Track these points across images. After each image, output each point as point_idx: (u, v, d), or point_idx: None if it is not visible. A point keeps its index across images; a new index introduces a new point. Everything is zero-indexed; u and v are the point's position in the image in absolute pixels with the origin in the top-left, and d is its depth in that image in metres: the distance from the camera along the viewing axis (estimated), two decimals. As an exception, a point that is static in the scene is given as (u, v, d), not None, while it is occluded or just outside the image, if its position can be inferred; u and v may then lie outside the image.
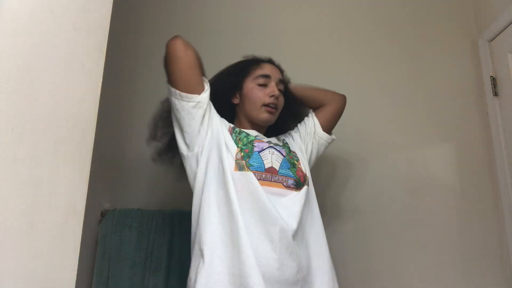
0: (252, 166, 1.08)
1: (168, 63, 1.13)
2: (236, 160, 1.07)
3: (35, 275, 0.60)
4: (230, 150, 1.09)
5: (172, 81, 1.12)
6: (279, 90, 1.20)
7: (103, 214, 1.55)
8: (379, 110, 1.79)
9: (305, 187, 1.13)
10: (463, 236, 1.64)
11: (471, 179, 1.71)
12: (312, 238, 1.12)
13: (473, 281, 1.58)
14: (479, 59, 1.81)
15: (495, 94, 1.71)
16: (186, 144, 1.13)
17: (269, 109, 1.18)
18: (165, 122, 1.22)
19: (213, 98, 1.17)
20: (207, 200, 1.06)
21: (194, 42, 1.86)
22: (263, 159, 1.11)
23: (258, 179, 1.06)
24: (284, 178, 1.10)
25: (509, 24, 1.61)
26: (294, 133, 1.34)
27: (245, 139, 1.15)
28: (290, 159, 1.17)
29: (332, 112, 1.33)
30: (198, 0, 1.93)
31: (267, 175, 1.08)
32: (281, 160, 1.14)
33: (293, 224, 1.04)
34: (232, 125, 1.20)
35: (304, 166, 1.20)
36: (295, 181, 1.12)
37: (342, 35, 1.90)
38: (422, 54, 1.87)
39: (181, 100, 1.10)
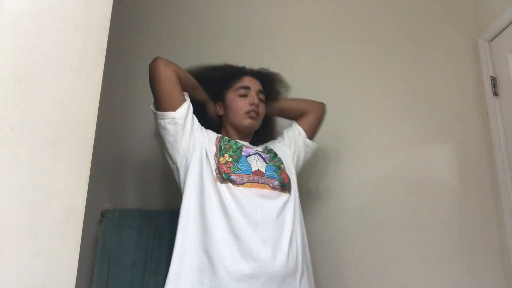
0: (240, 170, 1.16)
1: (151, 84, 1.21)
2: (217, 174, 1.15)
3: (35, 275, 0.60)
4: (210, 163, 1.17)
5: (156, 101, 1.21)
6: (259, 99, 1.30)
7: (103, 214, 1.55)
8: (379, 110, 1.79)
9: (287, 195, 1.20)
10: (463, 236, 1.64)
11: (471, 179, 1.71)
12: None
13: (473, 281, 1.58)
14: (479, 59, 1.81)
15: (495, 94, 1.71)
16: (169, 157, 1.22)
17: (251, 115, 1.27)
18: None
19: (200, 110, 1.30)
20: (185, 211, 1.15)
21: (194, 42, 1.86)
22: (250, 163, 1.20)
23: (246, 181, 1.15)
24: (270, 180, 1.18)
25: (509, 24, 1.61)
26: (279, 142, 1.41)
27: (234, 146, 1.23)
28: (275, 164, 1.25)
29: (314, 119, 1.42)
30: (198, 0, 1.93)
31: (255, 177, 1.17)
32: (265, 166, 1.22)
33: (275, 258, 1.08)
34: (219, 135, 1.28)
35: (290, 171, 1.29)
36: (280, 182, 1.20)
37: (342, 35, 1.90)
38: (422, 54, 1.87)
39: (158, 118, 1.19)
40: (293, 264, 1.10)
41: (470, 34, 1.88)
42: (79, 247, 0.71)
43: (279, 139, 1.43)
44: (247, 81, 1.32)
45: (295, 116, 1.44)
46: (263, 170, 1.19)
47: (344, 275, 1.59)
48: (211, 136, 1.25)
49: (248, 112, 1.27)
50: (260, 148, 1.31)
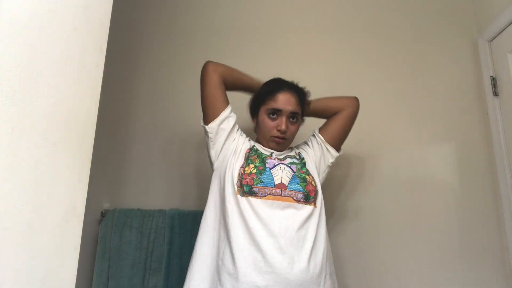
0: (263, 182, 1.16)
1: (201, 89, 1.28)
2: (237, 187, 1.16)
3: (35, 275, 0.60)
4: (233, 176, 1.18)
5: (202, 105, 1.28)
6: (291, 119, 1.27)
7: (103, 214, 1.55)
8: (379, 110, 1.79)
9: (311, 207, 1.18)
10: (463, 236, 1.64)
11: (471, 179, 1.71)
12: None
13: (473, 281, 1.58)
14: (479, 59, 1.81)
15: (495, 94, 1.71)
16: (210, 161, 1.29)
17: (276, 140, 1.26)
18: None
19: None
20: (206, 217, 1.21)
21: (194, 42, 1.86)
22: (273, 175, 1.18)
23: (268, 194, 1.14)
24: (293, 193, 1.16)
25: (509, 24, 1.61)
26: (309, 146, 1.38)
27: (259, 157, 1.24)
28: (301, 174, 1.22)
29: (348, 116, 1.37)
30: (199, 0, 1.93)
31: (277, 190, 1.16)
32: (291, 175, 1.20)
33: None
34: (251, 146, 1.29)
35: (316, 182, 1.25)
36: (304, 195, 1.17)
37: (342, 35, 1.90)
38: (422, 54, 1.87)
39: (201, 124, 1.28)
40: (313, 276, 1.09)
41: (470, 34, 1.88)
42: (79, 247, 0.71)
43: (310, 143, 1.40)
44: (281, 101, 1.26)
45: (328, 116, 1.40)
46: (286, 182, 1.18)
47: (343, 275, 1.59)
48: (245, 147, 1.27)
49: (274, 136, 1.26)
50: (292, 153, 1.31)
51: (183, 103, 1.74)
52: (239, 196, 1.14)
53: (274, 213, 1.12)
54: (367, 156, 1.75)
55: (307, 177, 1.23)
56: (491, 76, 1.73)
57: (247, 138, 1.32)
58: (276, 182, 1.17)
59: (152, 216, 1.53)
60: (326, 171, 1.36)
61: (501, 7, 1.66)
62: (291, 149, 1.37)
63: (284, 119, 1.24)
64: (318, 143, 1.37)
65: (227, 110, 1.26)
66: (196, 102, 1.32)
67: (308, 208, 1.17)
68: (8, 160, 0.53)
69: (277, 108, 1.24)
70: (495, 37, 1.72)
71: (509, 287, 1.57)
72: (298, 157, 1.31)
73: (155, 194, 1.65)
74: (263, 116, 1.27)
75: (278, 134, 1.25)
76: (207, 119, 1.25)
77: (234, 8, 1.91)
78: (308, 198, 1.18)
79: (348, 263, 1.61)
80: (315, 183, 1.23)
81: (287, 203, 1.14)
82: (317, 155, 1.36)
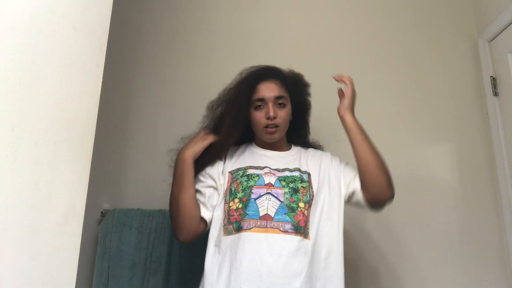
0: (248, 215, 1.09)
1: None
2: (224, 226, 1.11)
3: (35, 275, 0.60)
4: (219, 218, 1.14)
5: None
6: (279, 104, 1.22)
7: (103, 214, 1.55)
8: (379, 110, 1.79)
9: (300, 239, 1.07)
10: (463, 236, 1.64)
11: (471, 179, 1.71)
12: None
13: (473, 281, 1.58)
14: (479, 59, 1.81)
15: (495, 94, 1.71)
16: None
17: (269, 129, 1.21)
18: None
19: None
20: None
21: (195, 42, 1.86)
22: (258, 206, 1.11)
23: (253, 226, 1.07)
24: (280, 224, 1.08)
25: (509, 24, 1.61)
26: (330, 161, 1.26)
27: (245, 183, 1.15)
28: (290, 203, 1.12)
29: (367, 194, 1.17)
30: (199, 0, 1.92)
31: (262, 222, 1.08)
32: (278, 206, 1.11)
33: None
34: (232, 171, 1.21)
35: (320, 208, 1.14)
36: (292, 225, 1.08)
37: (342, 35, 1.90)
38: (422, 54, 1.87)
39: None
40: None
41: (470, 34, 1.88)
42: (79, 247, 0.71)
43: (334, 158, 1.28)
44: (262, 90, 1.22)
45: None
46: (272, 213, 1.09)
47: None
48: (225, 179, 1.20)
49: (265, 127, 1.21)
50: (295, 161, 1.24)
51: (183, 103, 1.74)
52: (226, 236, 1.09)
53: (258, 247, 1.04)
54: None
55: (298, 205, 1.12)
56: (491, 76, 1.73)
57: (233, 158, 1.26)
58: (261, 214, 1.09)
59: (152, 216, 1.53)
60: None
61: (501, 7, 1.66)
62: (299, 150, 1.30)
63: (270, 105, 1.20)
64: (347, 165, 1.26)
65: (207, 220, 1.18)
66: (196, 102, 1.32)
67: (296, 239, 1.06)
68: (8, 160, 0.53)
69: (260, 98, 1.21)
70: (495, 37, 1.72)
71: (509, 287, 1.57)
72: (300, 169, 1.21)
73: (155, 194, 1.65)
74: (252, 112, 1.23)
75: (269, 122, 1.20)
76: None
77: (236, 8, 1.91)
78: (298, 228, 1.08)
79: (347, 263, 1.60)
80: (313, 209, 1.12)
81: (274, 234, 1.06)
82: (340, 171, 1.24)
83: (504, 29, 1.65)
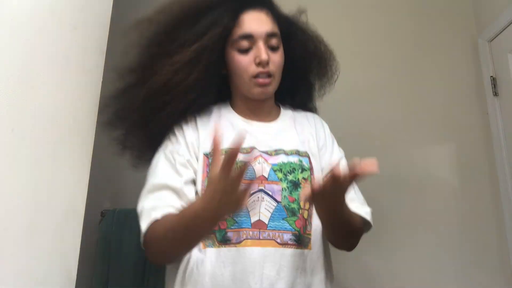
0: (236, 223, 0.79)
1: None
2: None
3: (35, 275, 0.60)
4: None
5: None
6: (271, 47, 0.88)
7: (103, 214, 1.55)
8: (379, 110, 1.79)
9: (303, 252, 0.82)
10: (463, 236, 1.64)
11: (471, 179, 1.71)
12: None
13: (473, 281, 1.58)
14: (479, 59, 1.81)
15: (495, 94, 1.71)
16: None
17: (260, 80, 0.86)
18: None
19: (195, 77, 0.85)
20: None
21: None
22: (248, 208, 0.80)
23: (244, 239, 0.78)
24: (276, 233, 0.79)
25: (509, 24, 1.61)
26: (328, 142, 0.99)
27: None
28: (290, 204, 0.82)
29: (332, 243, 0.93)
30: (198, 0, 1.92)
31: (254, 232, 0.79)
32: (273, 208, 0.81)
33: None
34: (208, 152, 0.86)
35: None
36: (293, 234, 0.81)
37: (342, 35, 1.90)
38: (422, 54, 1.87)
39: None
40: None
41: (470, 34, 1.88)
42: (79, 247, 0.71)
43: (331, 140, 0.99)
44: (249, 22, 0.86)
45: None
46: (266, 219, 0.80)
47: (342, 275, 1.59)
48: (200, 163, 0.85)
49: (255, 76, 0.86)
50: (288, 146, 0.89)
51: (183, 103, 1.74)
52: (206, 249, 0.79)
53: (252, 270, 0.76)
54: (367, 156, 1.74)
55: (301, 205, 0.83)
56: (491, 76, 1.73)
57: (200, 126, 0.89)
58: (253, 220, 0.79)
59: (152, 216, 1.53)
60: None
61: (501, 7, 1.66)
62: (292, 115, 0.97)
63: (261, 45, 0.86)
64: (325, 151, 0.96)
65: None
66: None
67: (298, 253, 0.80)
68: (8, 160, 0.53)
69: (245, 34, 0.86)
70: (495, 37, 1.72)
71: (509, 287, 1.57)
72: (299, 150, 0.89)
73: (155, 194, 1.65)
74: (232, 55, 0.88)
75: (260, 69, 0.85)
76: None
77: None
78: (300, 239, 0.82)
79: (347, 263, 1.61)
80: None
81: (269, 248, 0.78)
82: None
83: (504, 29, 1.65)
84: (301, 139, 0.92)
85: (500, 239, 1.63)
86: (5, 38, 0.53)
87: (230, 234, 0.79)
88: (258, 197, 0.81)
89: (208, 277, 0.77)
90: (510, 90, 1.63)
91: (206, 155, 0.86)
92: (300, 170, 0.86)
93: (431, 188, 1.70)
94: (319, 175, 0.90)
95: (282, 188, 0.82)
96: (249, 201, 0.80)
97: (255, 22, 0.87)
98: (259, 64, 0.85)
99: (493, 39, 1.74)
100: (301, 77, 1.02)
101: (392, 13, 1.93)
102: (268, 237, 0.78)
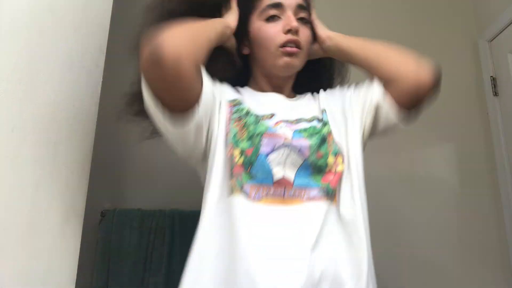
0: (256, 178, 0.74)
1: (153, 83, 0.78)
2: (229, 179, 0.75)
3: (35, 275, 0.60)
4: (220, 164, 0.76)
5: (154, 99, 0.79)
6: (299, 19, 0.86)
7: (103, 214, 1.55)
8: (379, 110, 1.79)
9: (329, 205, 0.78)
10: (463, 236, 1.64)
11: (471, 179, 1.71)
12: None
13: (473, 281, 1.58)
14: (479, 59, 1.81)
15: (495, 94, 1.71)
16: (188, 158, 0.86)
17: (288, 49, 0.82)
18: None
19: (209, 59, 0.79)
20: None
21: (194, 42, 1.85)
22: (271, 165, 0.75)
23: (264, 196, 0.73)
24: (303, 191, 0.76)
25: (509, 24, 1.61)
26: (346, 92, 0.94)
27: (252, 128, 0.77)
28: (318, 160, 0.78)
29: (399, 93, 0.88)
30: (198, 0, 1.92)
31: (277, 190, 0.74)
32: (300, 164, 0.77)
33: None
34: (231, 100, 0.82)
35: (352, 156, 0.84)
36: (321, 189, 0.77)
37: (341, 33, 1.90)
38: (422, 54, 1.87)
39: (157, 121, 0.78)
40: None
41: (470, 34, 1.88)
42: (79, 247, 0.71)
43: (350, 88, 0.95)
44: None
45: (373, 74, 0.92)
46: (292, 176, 0.75)
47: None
48: (224, 109, 0.80)
49: (283, 45, 0.82)
50: (308, 114, 0.85)
51: (183, 103, 1.74)
52: (232, 196, 0.73)
53: (274, 228, 0.72)
54: (367, 156, 1.74)
55: (327, 161, 0.78)
56: (491, 76, 1.73)
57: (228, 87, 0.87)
58: (276, 177, 0.75)
59: (152, 216, 1.53)
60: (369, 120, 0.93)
61: (501, 7, 1.66)
62: (310, 96, 0.93)
63: (290, 13, 0.84)
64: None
65: (207, 86, 0.75)
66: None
67: (325, 206, 0.75)
68: (8, 160, 0.53)
69: (275, 2, 0.84)
70: (495, 37, 1.72)
71: (509, 287, 1.57)
72: (320, 116, 0.86)
73: (155, 194, 1.65)
74: (258, 25, 0.85)
75: (289, 37, 0.82)
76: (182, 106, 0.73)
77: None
78: (330, 192, 0.78)
79: (348, 263, 1.61)
80: (349, 160, 0.82)
81: (294, 206, 0.74)
82: (362, 92, 0.91)
83: (504, 29, 1.65)
84: (321, 109, 0.89)
85: (500, 239, 1.63)
86: (5, 38, 0.53)
87: (246, 188, 0.73)
88: (283, 153, 0.76)
89: (224, 231, 0.72)
90: (510, 90, 1.63)
91: (229, 101, 0.82)
92: (324, 129, 0.82)
93: (431, 188, 1.70)
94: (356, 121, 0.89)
95: (310, 145, 0.78)
96: (273, 156, 0.75)
97: None
98: (288, 31, 0.82)
99: (493, 39, 1.74)
100: (322, 63, 1.01)
101: (392, 13, 1.93)
102: (293, 196, 0.75)
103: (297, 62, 0.86)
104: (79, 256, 0.71)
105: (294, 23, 0.82)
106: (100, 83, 0.79)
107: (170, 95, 0.71)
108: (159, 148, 1.71)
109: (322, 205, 0.75)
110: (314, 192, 0.76)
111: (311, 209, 0.74)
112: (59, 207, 0.66)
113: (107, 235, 1.48)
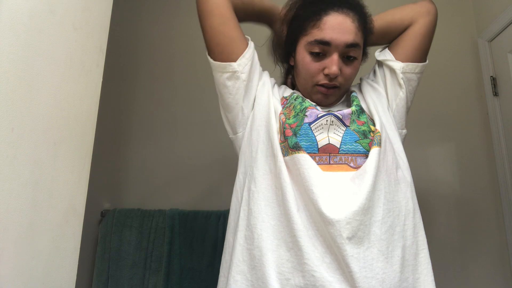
0: (300, 146, 0.76)
1: (200, 22, 0.90)
2: (280, 143, 0.78)
3: (35, 275, 0.60)
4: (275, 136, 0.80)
5: (207, 46, 0.90)
6: (347, 57, 0.84)
7: (103, 214, 1.55)
8: (379, 110, 1.79)
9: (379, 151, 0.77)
10: (463, 236, 1.64)
11: (471, 179, 1.71)
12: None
13: (473, 281, 1.58)
14: (479, 59, 1.81)
15: (495, 94, 1.71)
16: (229, 125, 0.90)
17: (323, 90, 0.85)
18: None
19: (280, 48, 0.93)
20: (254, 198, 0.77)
21: (195, 42, 1.86)
22: (315, 133, 0.78)
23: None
24: (350, 157, 0.76)
25: (509, 24, 1.61)
26: (369, 80, 1.01)
27: (298, 107, 0.84)
28: (359, 126, 0.80)
29: (424, 29, 0.94)
30: (198, 0, 1.92)
31: (323, 156, 0.75)
32: (343, 131, 0.79)
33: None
34: (288, 95, 0.91)
35: (387, 128, 0.85)
36: (366, 155, 0.77)
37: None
38: (422, 54, 1.87)
39: (215, 71, 0.88)
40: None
41: (470, 34, 1.88)
42: (79, 247, 0.71)
43: (370, 75, 1.03)
44: (331, 28, 0.81)
45: (392, 37, 1.01)
46: (338, 142, 0.77)
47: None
48: (276, 95, 0.89)
49: (319, 85, 0.85)
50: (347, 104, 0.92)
51: (183, 103, 1.74)
52: (285, 157, 0.75)
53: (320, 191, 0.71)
54: (367, 156, 1.75)
55: (370, 127, 0.81)
56: (491, 76, 1.73)
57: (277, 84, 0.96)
58: (321, 144, 0.76)
59: (152, 216, 1.53)
60: (400, 90, 0.96)
61: (501, 7, 1.66)
62: (348, 96, 0.94)
63: (335, 57, 0.82)
64: (380, 52, 1.01)
65: (251, 48, 0.89)
66: (197, 101, 1.31)
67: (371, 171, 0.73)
68: (8, 160, 0.53)
69: (323, 40, 0.81)
70: (495, 37, 1.72)
71: (509, 287, 1.57)
72: (348, 101, 0.93)
73: (155, 194, 1.65)
74: (302, 54, 0.85)
75: (326, 81, 0.84)
76: (227, 56, 0.86)
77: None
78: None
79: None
80: (386, 131, 0.82)
81: (342, 172, 0.74)
82: (380, 70, 0.99)
83: (504, 29, 1.65)
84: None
85: (500, 239, 1.63)
86: (5, 38, 0.53)
87: (287, 158, 0.75)
88: (327, 120, 0.80)
89: (275, 192, 0.76)
90: (510, 90, 1.63)
91: (285, 97, 0.91)
92: (357, 105, 0.87)
93: (431, 188, 1.70)
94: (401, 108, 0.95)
95: (352, 112, 0.82)
96: (316, 124, 0.79)
97: (337, 29, 0.82)
98: (327, 76, 0.84)
99: (493, 39, 1.74)
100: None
101: (392, 13, 1.93)
102: (340, 161, 0.75)
103: (333, 98, 0.89)
104: (79, 256, 0.71)
105: (334, 69, 0.82)
106: (100, 83, 0.79)
107: (211, 35, 0.87)
108: (159, 148, 1.72)
109: (369, 169, 0.74)
110: (361, 159, 0.77)
111: (360, 177, 0.73)
112: (59, 207, 0.66)
113: (107, 235, 1.48)
